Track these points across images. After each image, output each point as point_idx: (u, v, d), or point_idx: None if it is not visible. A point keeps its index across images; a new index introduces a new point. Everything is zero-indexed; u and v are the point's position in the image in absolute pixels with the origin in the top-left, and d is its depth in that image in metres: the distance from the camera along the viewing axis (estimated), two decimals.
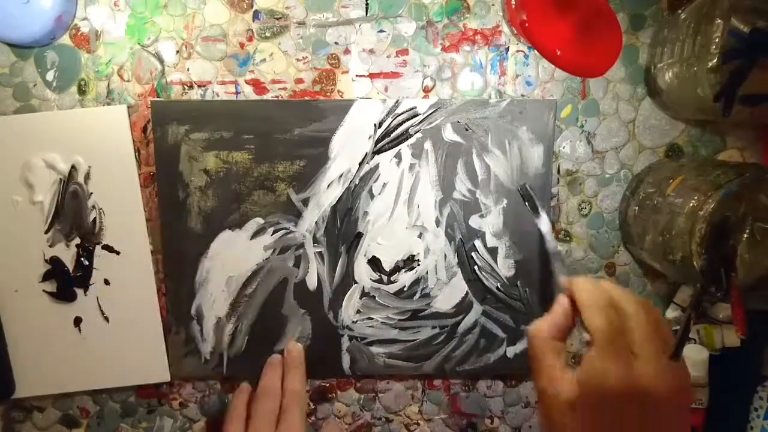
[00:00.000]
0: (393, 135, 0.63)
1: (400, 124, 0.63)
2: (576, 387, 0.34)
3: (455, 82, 0.65)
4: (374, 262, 0.65)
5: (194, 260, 0.65)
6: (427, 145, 0.64)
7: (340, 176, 0.64)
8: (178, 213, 0.64)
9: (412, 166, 0.64)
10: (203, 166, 0.63)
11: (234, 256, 0.65)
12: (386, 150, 0.64)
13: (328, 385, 0.69)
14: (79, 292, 0.65)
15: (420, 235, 0.65)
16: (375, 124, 0.63)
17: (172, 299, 0.65)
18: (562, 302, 0.40)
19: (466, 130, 0.63)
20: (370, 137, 0.64)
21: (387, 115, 0.63)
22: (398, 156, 0.64)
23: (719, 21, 0.51)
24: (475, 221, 0.65)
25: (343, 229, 0.65)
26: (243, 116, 0.63)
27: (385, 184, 0.64)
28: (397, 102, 0.63)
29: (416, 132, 0.63)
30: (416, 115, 0.63)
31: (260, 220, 0.64)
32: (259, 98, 0.64)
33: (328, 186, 0.64)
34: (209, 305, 0.66)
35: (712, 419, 0.66)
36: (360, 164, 0.64)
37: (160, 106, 0.63)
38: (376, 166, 0.64)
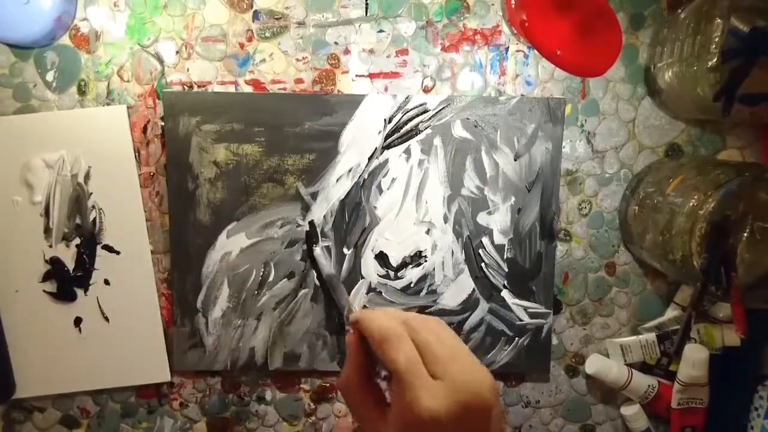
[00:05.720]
0: (403, 131, 0.64)
1: (410, 120, 0.63)
2: (393, 427, 0.33)
3: (455, 82, 0.65)
4: (381, 258, 0.65)
5: (201, 252, 0.65)
6: (437, 141, 0.64)
7: (350, 171, 0.64)
8: (186, 204, 0.64)
9: (421, 162, 0.64)
10: (213, 158, 0.64)
11: (241, 249, 0.65)
12: (396, 145, 0.64)
13: (328, 385, 0.69)
14: (80, 292, 0.65)
15: (428, 231, 0.65)
16: (385, 119, 0.63)
17: (178, 291, 0.65)
18: (350, 342, 0.38)
19: (476, 126, 0.64)
20: (379, 132, 0.64)
21: (397, 111, 0.63)
22: (407, 152, 0.64)
23: (719, 20, 0.51)
24: (483, 218, 0.65)
25: (351, 224, 0.65)
26: (254, 109, 0.63)
27: (393, 180, 0.64)
28: (407, 98, 0.63)
29: (426, 128, 0.64)
30: (426, 111, 0.63)
31: (269, 213, 0.65)
32: (271, 91, 0.64)
33: (337, 180, 0.64)
34: (215, 298, 0.66)
35: (712, 419, 0.66)
36: (369, 159, 0.64)
37: (172, 97, 0.63)
38: (386, 162, 0.64)
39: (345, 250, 0.65)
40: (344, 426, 0.70)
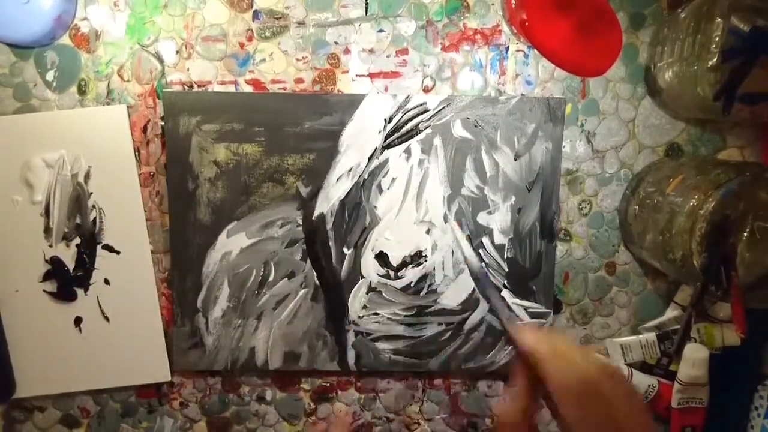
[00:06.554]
0: (403, 130, 0.64)
1: (410, 120, 0.63)
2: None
3: (455, 81, 0.65)
4: (381, 257, 0.65)
5: (202, 252, 0.65)
6: (437, 141, 0.64)
7: (350, 170, 0.64)
8: (186, 204, 0.64)
9: (421, 162, 0.64)
10: (213, 158, 0.64)
11: (241, 249, 0.65)
12: (396, 145, 0.64)
13: (328, 384, 0.69)
14: (80, 291, 0.65)
15: (428, 231, 0.65)
16: (385, 119, 0.63)
17: (178, 291, 0.65)
18: (521, 383, 0.39)
19: (476, 126, 0.64)
20: (380, 132, 0.64)
21: (397, 110, 0.63)
22: (408, 151, 0.64)
23: (719, 20, 0.51)
24: (483, 218, 0.65)
25: (351, 224, 0.65)
26: (254, 108, 0.63)
27: (394, 179, 0.64)
28: (407, 98, 0.63)
29: (426, 128, 0.64)
30: (426, 111, 0.63)
31: (269, 213, 0.65)
32: (271, 91, 0.64)
33: (337, 180, 0.64)
34: (215, 298, 0.66)
35: (712, 418, 0.66)
36: (369, 159, 0.64)
37: (172, 97, 0.63)
38: (386, 161, 0.64)
39: (345, 250, 0.65)
40: (342, 420, 0.70)
